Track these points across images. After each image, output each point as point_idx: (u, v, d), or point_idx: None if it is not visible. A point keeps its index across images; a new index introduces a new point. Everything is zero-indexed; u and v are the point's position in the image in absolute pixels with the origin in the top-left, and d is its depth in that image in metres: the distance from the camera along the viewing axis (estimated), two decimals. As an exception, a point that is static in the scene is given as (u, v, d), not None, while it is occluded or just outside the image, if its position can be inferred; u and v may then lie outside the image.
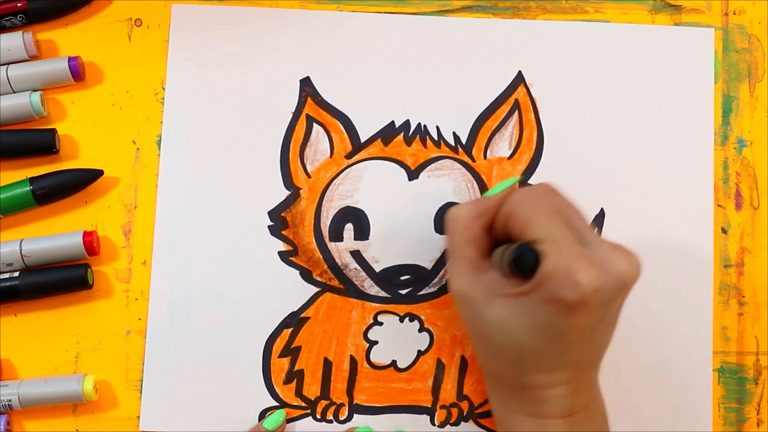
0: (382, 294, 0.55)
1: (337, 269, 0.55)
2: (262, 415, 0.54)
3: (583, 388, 0.47)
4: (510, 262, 0.44)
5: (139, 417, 0.54)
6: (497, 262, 0.46)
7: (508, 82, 0.56)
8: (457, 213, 0.48)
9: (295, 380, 0.54)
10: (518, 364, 0.45)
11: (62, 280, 0.53)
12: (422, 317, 0.55)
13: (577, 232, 0.44)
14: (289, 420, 0.54)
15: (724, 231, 0.56)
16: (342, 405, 0.54)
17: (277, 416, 0.53)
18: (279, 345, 0.54)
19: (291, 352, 0.54)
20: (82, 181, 0.54)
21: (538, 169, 0.55)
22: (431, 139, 0.55)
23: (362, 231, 0.55)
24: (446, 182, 0.55)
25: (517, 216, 0.45)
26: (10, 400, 0.52)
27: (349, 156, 0.55)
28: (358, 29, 0.56)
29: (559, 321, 0.42)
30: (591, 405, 0.47)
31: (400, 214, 0.55)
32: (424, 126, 0.56)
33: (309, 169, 0.55)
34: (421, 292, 0.55)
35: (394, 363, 0.55)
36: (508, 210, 0.45)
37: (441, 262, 0.55)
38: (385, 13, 0.56)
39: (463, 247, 0.47)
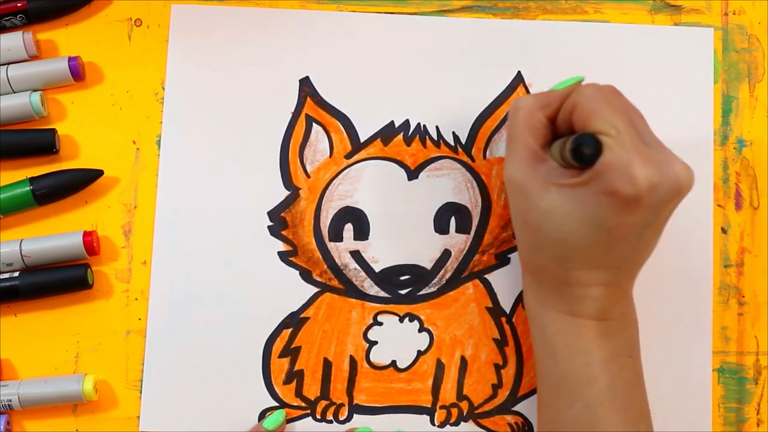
0: (382, 294, 0.55)
1: (336, 269, 0.55)
2: (262, 415, 0.54)
3: (620, 295, 0.48)
4: (571, 150, 0.44)
5: (139, 417, 0.54)
6: (557, 153, 0.47)
7: (508, 82, 0.56)
8: (521, 102, 0.48)
9: (294, 380, 0.54)
10: (562, 257, 0.46)
11: (62, 280, 0.53)
12: (422, 317, 0.55)
13: (640, 131, 0.45)
14: (289, 420, 0.54)
15: (724, 231, 0.56)
16: (342, 405, 0.54)
17: (277, 416, 0.53)
18: (279, 345, 0.54)
19: (291, 352, 0.54)
20: (82, 181, 0.54)
21: (537, 169, 0.55)
22: (431, 139, 0.55)
23: (362, 231, 0.55)
24: (446, 182, 0.55)
25: (583, 107, 0.45)
26: (10, 400, 0.52)
27: (348, 156, 0.55)
28: (357, 29, 0.56)
29: (612, 215, 0.43)
30: (626, 315, 0.48)
31: (400, 214, 0.55)
32: (424, 126, 0.56)
33: (308, 169, 0.55)
34: (420, 292, 0.55)
35: (393, 363, 0.55)
36: (574, 101, 0.46)
37: (441, 262, 0.55)
38: (385, 13, 0.56)
39: (525, 135, 0.47)
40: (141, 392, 0.54)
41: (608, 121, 0.44)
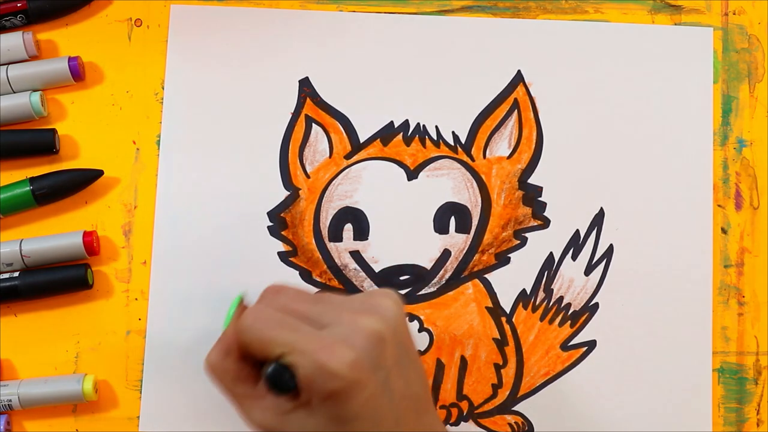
0: (382, 294, 0.55)
1: (336, 269, 0.55)
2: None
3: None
4: (275, 389, 0.43)
5: (139, 417, 0.54)
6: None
7: (508, 82, 0.56)
8: (206, 364, 0.46)
9: (294, 380, 0.54)
10: None
11: (62, 280, 0.53)
12: (422, 317, 0.55)
13: (313, 320, 0.43)
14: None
15: (724, 231, 0.56)
16: (341, 405, 0.54)
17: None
18: (279, 345, 0.54)
19: (290, 352, 0.54)
20: (82, 181, 0.54)
21: (537, 168, 0.55)
22: (430, 138, 0.56)
23: (362, 231, 0.55)
24: (445, 182, 0.55)
25: (252, 343, 0.43)
26: (10, 400, 0.52)
27: (348, 156, 0.55)
28: (357, 29, 0.56)
29: (346, 409, 0.41)
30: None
31: (400, 214, 0.55)
32: (423, 126, 0.56)
33: (308, 169, 0.55)
34: (420, 292, 0.55)
35: (393, 363, 0.55)
36: (244, 340, 0.44)
37: (441, 261, 0.55)
38: (385, 13, 0.56)
39: (231, 389, 0.45)
40: (141, 392, 0.54)
41: (278, 342, 0.42)
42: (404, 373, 0.43)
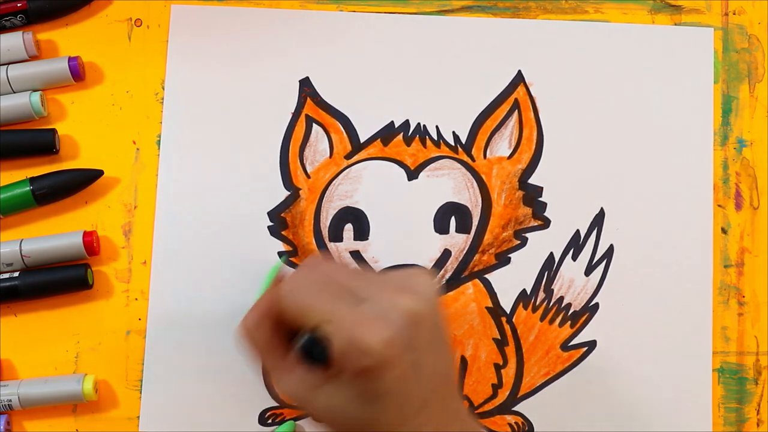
0: (382, 294, 0.55)
1: (336, 269, 0.55)
2: (263, 416, 0.54)
3: (450, 419, 0.44)
4: (306, 359, 0.43)
5: (139, 417, 0.54)
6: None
7: (508, 82, 0.56)
8: (241, 329, 0.46)
9: (294, 380, 0.54)
10: (374, 425, 0.43)
11: (62, 280, 0.53)
12: (422, 317, 0.55)
13: (352, 293, 0.43)
14: (296, 418, 0.54)
15: (724, 231, 0.56)
16: (342, 405, 0.54)
17: (287, 427, 0.53)
18: (279, 345, 0.54)
19: (291, 352, 0.54)
20: (82, 181, 0.54)
21: (537, 168, 0.55)
22: (431, 138, 0.56)
23: (362, 231, 0.55)
24: (446, 182, 0.55)
25: (290, 309, 0.44)
26: (10, 400, 0.52)
27: (348, 156, 0.55)
28: (357, 29, 0.56)
29: (377, 386, 0.41)
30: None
31: (400, 214, 0.55)
32: (424, 126, 0.56)
33: (308, 169, 0.55)
34: (420, 292, 0.55)
35: (393, 363, 0.55)
36: (281, 306, 0.44)
37: (441, 261, 0.55)
38: (385, 13, 0.56)
39: (264, 356, 0.45)
40: (141, 392, 0.54)
41: (316, 312, 0.42)
42: (435, 356, 0.43)
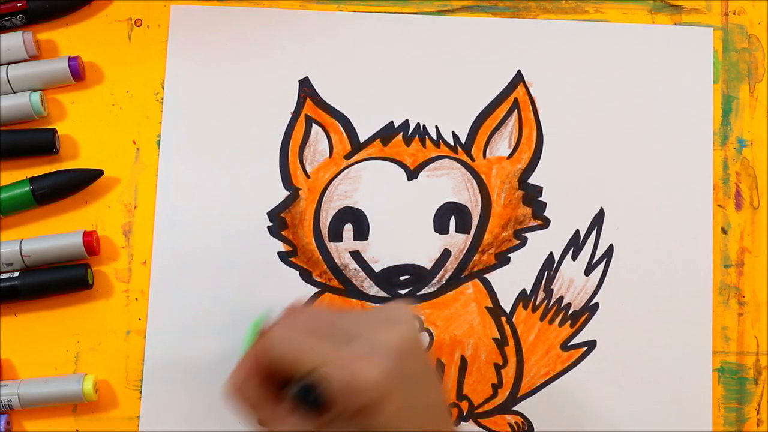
0: (382, 294, 0.55)
1: (336, 269, 0.55)
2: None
3: None
4: (302, 406, 0.42)
5: (139, 417, 0.54)
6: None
7: (508, 81, 0.56)
8: (229, 386, 0.45)
9: (294, 380, 0.54)
10: None
11: (62, 280, 0.53)
12: (422, 317, 0.55)
13: (339, 334, 0.43)
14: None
15: (724, 231, 0.56)
16: (341, 405, 0.54)
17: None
18: (279, 345, 0.54)
19: (290, 352, 0.54)
20: (82, 181, 0.54)
21: (537, 168, 0.55)
22: (430, 138, 0.56)
23: (362, 231, 0.55)
24: (445, 182, 0.55)
25: (281, 360, 0.43)
26: (10, 400, 0.52)
27: (348, 156, 0.56)
28: (357, 29, 0.56)
29: (377, 420, 0.41)
30: None
31: (400, 214, 0.55)
32: (423, 126, 0.56)
33: (308, 169, 0.55)
34: (420, 292, 0.55)
35: (393, 363, 0.55)
36: (270, 358, 0.44)
37: (441, 261, 0.55)
38: (385, 13, 0.56)
39: (256, 411, 0.45)
40: (141, 392, 0.54)
41: (311, 355, 0.42)
42: (426, 385, 0.44)
